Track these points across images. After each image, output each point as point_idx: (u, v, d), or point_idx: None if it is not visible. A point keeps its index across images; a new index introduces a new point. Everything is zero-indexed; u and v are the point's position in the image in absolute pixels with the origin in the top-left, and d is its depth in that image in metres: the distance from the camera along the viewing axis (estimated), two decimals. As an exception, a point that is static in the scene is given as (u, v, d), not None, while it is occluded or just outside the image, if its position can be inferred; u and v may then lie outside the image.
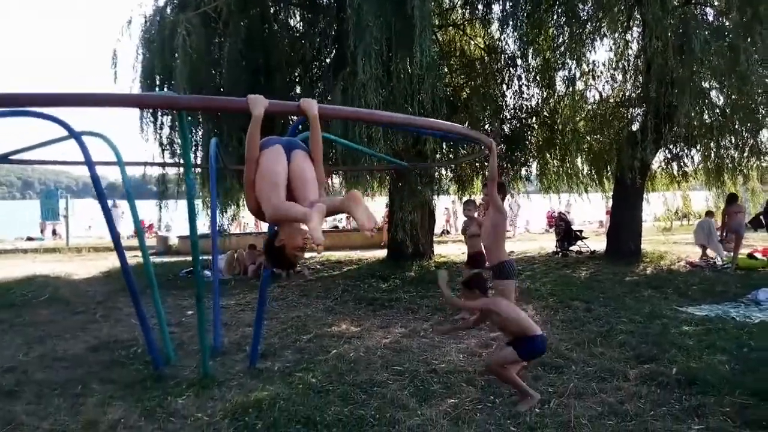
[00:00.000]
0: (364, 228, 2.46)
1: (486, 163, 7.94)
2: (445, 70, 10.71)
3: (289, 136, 4.96)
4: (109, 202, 6.02)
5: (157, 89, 8.84)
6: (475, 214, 7.15)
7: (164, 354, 5.25)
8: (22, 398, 4.29)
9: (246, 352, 5.40)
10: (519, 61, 11.43)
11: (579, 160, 12.30)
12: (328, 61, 9.31)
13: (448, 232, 22.13)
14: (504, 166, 11.31)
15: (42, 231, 21.80)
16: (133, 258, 8.28)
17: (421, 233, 11.08)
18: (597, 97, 11.82)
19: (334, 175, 11.28)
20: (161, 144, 9.91)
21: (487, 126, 10.64)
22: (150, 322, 5.25)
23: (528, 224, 23.50)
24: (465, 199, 9.74)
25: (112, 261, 11.42)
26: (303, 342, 5.89)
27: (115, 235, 5.09)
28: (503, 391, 4.30)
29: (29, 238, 20.89)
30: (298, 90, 10.44)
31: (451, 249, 14.44)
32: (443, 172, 11.75)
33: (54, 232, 21.30)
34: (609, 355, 5.09)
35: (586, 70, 11.27)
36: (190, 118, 8.77)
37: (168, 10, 9.26)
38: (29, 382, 4.64)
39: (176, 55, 7.93)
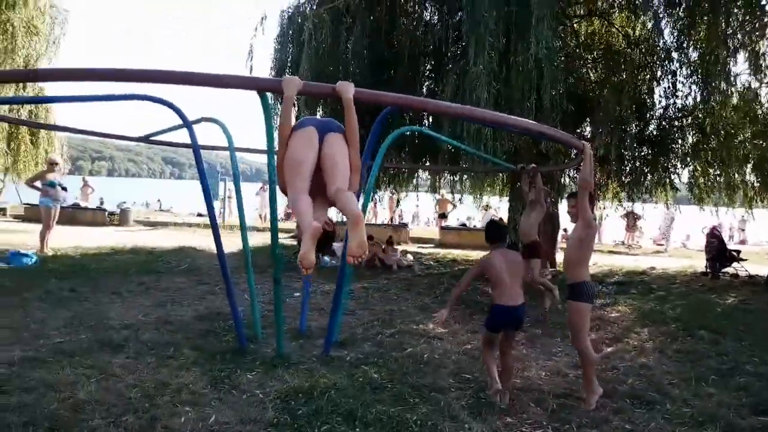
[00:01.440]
0: (350, 253, 2.39)
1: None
2: (581, 63, 9.89)
3: (375, 125, 5.00)
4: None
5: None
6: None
7: (253, 331, 5.60)
8: (124, 353, 4.85)
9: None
10: (674, 54, 10.19)
11: (745, 168, 10.65)
12: (450, 53, 9.12)
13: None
14: (644, 171, 10.18)
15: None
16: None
17: (543, 239, 10.43)
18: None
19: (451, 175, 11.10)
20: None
21: (626, 126, 9.60)
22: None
23: (688, 239, 21.00)
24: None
25: (259, 239, 12.46)
26: (384, 336, 5.88)
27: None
28: (572, 418, 3.88)
29: (199, 215, 23.66)
30: (426, 82, 10.43)
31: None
32: (569, 173, 10.89)
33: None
34: (718, 399, 4.32)
35: (761, 65, 9.64)
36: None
37: (304, 8, 9.79)
38: (136, 340, 5.23)
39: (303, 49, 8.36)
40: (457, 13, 8.74)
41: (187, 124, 5.18)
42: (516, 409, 4.04)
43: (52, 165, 10.73)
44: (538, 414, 3.99)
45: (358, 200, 5.41)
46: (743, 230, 23.08)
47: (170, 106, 4.97)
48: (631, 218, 19.37)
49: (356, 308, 7.13)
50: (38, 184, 10.40)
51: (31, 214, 16.15)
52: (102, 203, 22.46)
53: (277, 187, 3.18)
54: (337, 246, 10.63)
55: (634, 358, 5.43)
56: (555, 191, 10.32)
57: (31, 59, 13.07)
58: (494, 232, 4.40)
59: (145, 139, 6.68)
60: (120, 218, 18.00)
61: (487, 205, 17.14)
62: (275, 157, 3.04)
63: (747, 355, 5.49)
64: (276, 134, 3.00)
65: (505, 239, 4.42)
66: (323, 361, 4.94)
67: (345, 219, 2.54)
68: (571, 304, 4.15)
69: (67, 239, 11.79)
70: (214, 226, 5.37)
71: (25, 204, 17.91)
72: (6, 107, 11.39)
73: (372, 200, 14.18)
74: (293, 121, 3.04)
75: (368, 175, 5.78)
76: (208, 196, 5.26)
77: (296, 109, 9.62)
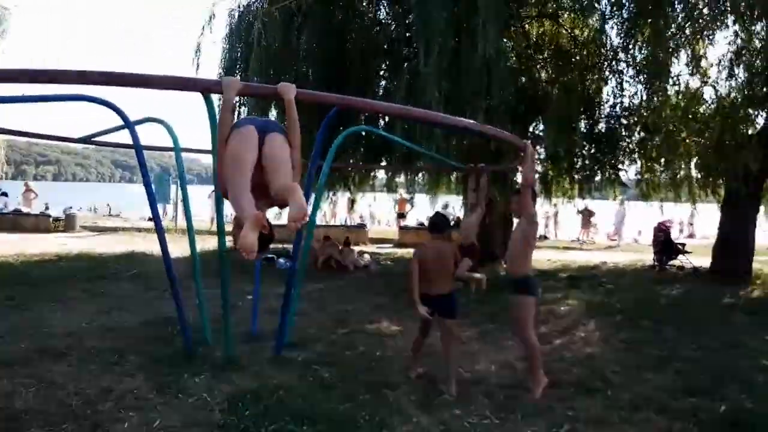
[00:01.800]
0: (291, 218, 2.36)
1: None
2: (532, 64, 10.13)
3: (322, 127, 4.98)
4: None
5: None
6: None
7: (201, 336, 5.49)
8: (65, 361, 4.68)
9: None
10: (621, 55, 10.55)
11: (689, 164, 11.10)
12: (403, 54, 9.18)
13: (545, 237, 21.11)
14: (592, 168, 10.51)
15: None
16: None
17: (498, 237, 10.65)
18: (713, 95, 10.57)
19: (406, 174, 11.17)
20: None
21: (575, 124, 9.89)
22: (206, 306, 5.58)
23: (640, 234, 21.76)
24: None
25: (209, 243, 12.20)
26: (338, 335, 5.88)
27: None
28: (517, 408, 3.96)
29: (150, 219, 23.05)
30: (381, 82, 10.45)
31: (543, 255, 13.70)
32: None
33: (164, 215, 23.26)
34: (656, 384, 4.51)
35: (702, 65, 10.10)
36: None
37: (254, 6, 9.67)
38: (79, 347, 5.05)
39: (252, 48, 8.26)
40: (410, 13, 8.80)
41: (129, 125, 5.02)
42: (464, 401, 4.10)
43: (-11, 169, 10.26)
44: (485, 405, 4.05)
45: (308, 200, 5.40)
46: (692, 224, 24.06)
47: (110, 106, 4.80)
48: (586, 215, 19.97)
49: (310, 310, 7.08)
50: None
51: (-32, 222, 15.40)
52: (47, 208, 21.56)
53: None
54: (288, 247, 10.57)
55: (581, 348, 5.60)
56: (509, 190, 10.53)
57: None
58: (431, 224, 4.69)
59: (87, 140, 6.46)
60: (66, 224, 17.32)
61: (446, 204, 17.35)
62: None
63: (685, 343, 5.73)
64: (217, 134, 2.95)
65: (442, 231, 4.56)
66: (274, 363, 4.90)
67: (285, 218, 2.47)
68: (514, 298, 4.25)
69: (8, 246, 11.29)
70: (159, 230, 5.25)
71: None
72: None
73: (329, 201, 14.20)
74: (233, 121, 3.01)
75: (318, 174, 5.76)
76: (152, 198, 5.12)
77: (246, 110, 9.52)
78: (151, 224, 20.39)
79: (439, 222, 4.65)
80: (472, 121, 4.36)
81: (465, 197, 10.56)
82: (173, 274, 5.18)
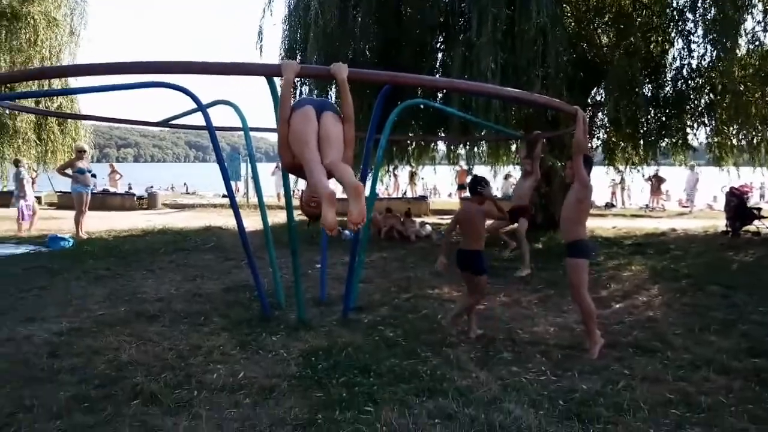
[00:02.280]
0: (350, 220, 2.61)
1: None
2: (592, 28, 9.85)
3: (378, 102, 5.21)
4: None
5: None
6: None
7: (276, 300, 5.96)
8: (159, 322, 5.26)
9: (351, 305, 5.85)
10: (689, 15, 10.05)
11: (765, 127, 10.51)
12: (457, 26, 9.17)
13: (612, 205, 20.55)
14: (658, 132, 10.16)
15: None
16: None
17: (559, 203, 10.55)
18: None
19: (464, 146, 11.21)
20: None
21: (638, 89, 9.58)
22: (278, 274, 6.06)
23: (715, 200, 20.74)
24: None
25: (278, 217, 12.82)
26: (401, 300, 6.20)
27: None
28: (574, 366, 4.13)
29: (224, 196, 24.25)
30: (438, 55, 10.49)
31: (609, 222, 13.45)
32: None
33: (236, 191, 24.39)
34: (718, 345, 4.52)
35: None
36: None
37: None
38: (169, 311, 5.63)
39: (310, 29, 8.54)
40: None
41: (202, 108, 5.46)
42: (522, 360, 4.31)
43: (80, 153, 11.20)
44: (542, 363, 4.24)
45: (366, 175, 5.68)
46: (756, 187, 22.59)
47: (185, 91, 5.25)
48: (656, 181, 19.25)
49: (375, 276, 7.45)
50: (69, 171, 10.90)
51: (64, 201, 16.84)
52: (130, 188, 23.18)
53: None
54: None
55: (643, 312, 5.64)
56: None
57: (54, 50, 13.50)
58: (469, 186, 5.05)
59: (164, 123, 7.02)
60: (148, 202, 18.63)
61: (507, 175, 17.22)
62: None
63: (753, 307, 5.64)
64: (279, 114, 3.23)
65: (473, 192, 4.94)
66: (342, 324, 5.27)
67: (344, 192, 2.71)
68: (569, 261, 4.38)
69: (99, 223, 12.36)
70: (233, 206, 5.70)
71: (57, 192, 18.64)
72: (32, 99, 11.81)
73: (390, 174, 14.50)
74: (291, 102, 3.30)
75: (376, 148, 5.99)
76: (227, 177, 5.56)
77: (307, 89, 9.85)
78: (224, 200, 21.47)
79: (470, 185, 5.01)
80: (519, 91, 4.44)
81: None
82: (248, 247, 5.63)
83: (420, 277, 7.39)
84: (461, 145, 11.42)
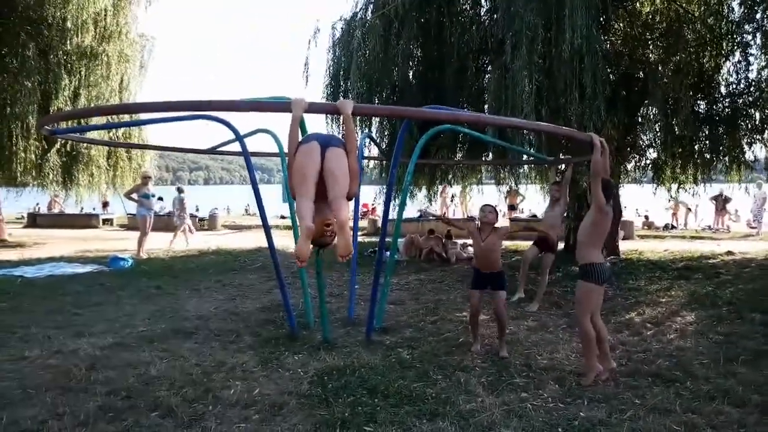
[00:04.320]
0: (338, 253, 2.78)
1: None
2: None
3: (400, 136, 5.41)
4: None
5: (341, 89, 10.05)
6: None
7: (305, 320, 6.21)
8: (193, 339, 5.61)
9: (375, 326, 6.00)
10: (746, 26, 9.67)
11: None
12: (493, 49, 9.25)
13: (673, 227, 19.60)
14: (710, 150, 9.76)
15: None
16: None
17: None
18: None
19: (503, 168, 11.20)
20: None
21: (686, 105, 9.24)
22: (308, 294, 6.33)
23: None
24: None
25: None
26: (426, 323, 6.28)
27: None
28: (585, 394, 4.09)
29: (282, 217, 25.11)
30: (477, 79, 10.60)
31: (660, 245, 12.94)
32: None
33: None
34: (743, 377, 4.32)
35: None
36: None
37: (356, 16, 10.32)
38: (205, 329, 5.99)
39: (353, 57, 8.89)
40: (498, 9, 8.89)
41: (239, 137, 5.87)
42: (533, 385, 4.30)
43: (145, 179, 12.06)
44: (554, 390, 4.22)
45: (391, 196, 5.85)
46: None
47: (224, 123, 5.70)
48: (720, 201, 18.24)
49: (407, 298, 7.57)
50: (135, 196, 11.75)
51: (132, 223, 18.03)
52: (197, 210, 24.43)
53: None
54: (401, 240, 11.12)
55: (671, 340, 5.45)
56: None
57: (123, 83, 14.63)
58: None
59: (211, 150, 7.51)
60: (209, 224, 19.58)
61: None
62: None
63: (796, 338, 5.33)
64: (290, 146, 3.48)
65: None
66: (364, 345, 5.42)
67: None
68: (578, 283, 4.37)
69: (160, 244, 13.16)
70: (266, 227, 6.04)
71: (129, 214, 19.96)
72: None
73: (440, 195, 14.59)
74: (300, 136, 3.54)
75: (405, 171, 6.17)
76: (259, 199, 5.91)
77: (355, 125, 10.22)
78: (281, 221, 22.26)
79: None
80: (524, 121, 4.52)
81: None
82: (279, 267, 5.93)
83: (451, 300, 7.44)
84: (500, 167, 11.41)
